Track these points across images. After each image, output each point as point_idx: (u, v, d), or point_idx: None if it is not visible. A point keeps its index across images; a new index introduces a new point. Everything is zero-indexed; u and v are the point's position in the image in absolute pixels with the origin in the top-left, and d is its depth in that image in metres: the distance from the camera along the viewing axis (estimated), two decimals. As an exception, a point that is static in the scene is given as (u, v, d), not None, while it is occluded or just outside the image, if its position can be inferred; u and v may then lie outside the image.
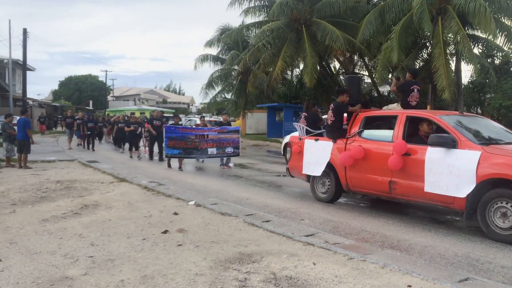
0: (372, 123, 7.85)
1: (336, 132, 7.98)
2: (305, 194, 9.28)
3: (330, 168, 7.91)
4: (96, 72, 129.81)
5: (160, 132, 15.15)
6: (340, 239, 5.65)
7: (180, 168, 13.10)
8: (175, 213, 6.97)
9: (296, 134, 10.25)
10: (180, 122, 21.20)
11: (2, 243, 5.30)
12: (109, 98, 76.94)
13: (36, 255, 4.87)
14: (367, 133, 7.60)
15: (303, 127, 9.12)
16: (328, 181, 8.15)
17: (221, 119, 17.57)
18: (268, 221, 6.52)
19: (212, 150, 12.77)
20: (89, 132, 20.15)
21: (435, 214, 7.50)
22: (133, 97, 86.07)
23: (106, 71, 68.60)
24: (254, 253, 4.95)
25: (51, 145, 22.21)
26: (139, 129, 18.15)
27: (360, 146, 7.30)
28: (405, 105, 8.02)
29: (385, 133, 7.36)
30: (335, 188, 7.98)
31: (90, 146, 20.27)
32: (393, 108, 8.40)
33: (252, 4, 25.30)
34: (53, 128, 40.76)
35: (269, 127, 30.75)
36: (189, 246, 5.23)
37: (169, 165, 13.46)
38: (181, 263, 4.59)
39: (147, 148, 17.96)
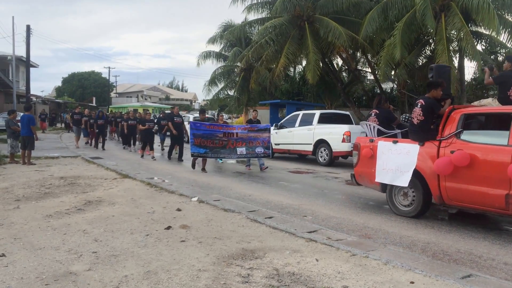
0: (473, 122, 6.57)
1: (425, 133, 6.61)
2: (307, 191, 9.29)
3: (416, 176, 6.61)
4: (99, 69, 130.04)
5: (181, 131, 14.73)
6: (343, 235, 5.66)
7: (203, 169, 11.97)
8: (178, 209, 6.99)
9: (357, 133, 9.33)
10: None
11: (7, 238, 5.33)
12: (112, 94, 77.01)
13: (40, 250, 4.90)
14: (469, 134, 6.25)
15: (374, 127, 7.76)
16: (413, 192, 6.79)
17: (207, 116, 16.96)
18: (271, 217, 6.53)
19: (241, 150, 11.80)
20: (97, 130, 19.06)
21: (437, 211, 7.50)
22: (136, 94, 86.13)
23: (109, 67, 68.94)
24: (257, 249, 4.97)
25: (55, 142, 22.28)
26: (155, 127, 17.22)
27: (464, 151, 5.93)
28: (505, 100, 6.64)
29: (497, 135, 6.00)
30: (422, 200, 6.66)
31: (100, 145, 19.13)
32: (489, 104, 7.09)
33: (255, 1, 25.29)
34: (54, 126, 39.87)
35: (272, 123, 30.72)
36: (192, 242, 5.25)
37: (193, 166, 12.22)
38: (184, 259, 4.61)
39: (159, 147, 17.69)
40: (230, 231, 5.79)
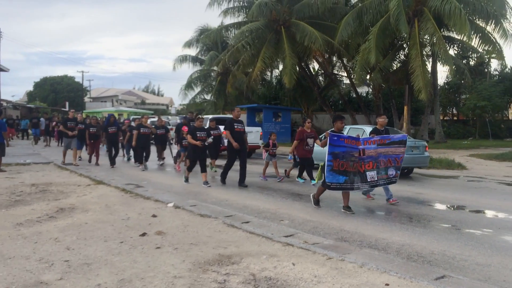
0: None
1: None
2: (284, 195, 9.30)
3: None
4: (73, 73, 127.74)
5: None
6: (319, 239, 5.67)
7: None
8: (154, 215, 6.89)
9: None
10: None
11: (-26, 248, 5.15)
12: (86, 99, 75.81)
13: (10, 260, 4.74)
14: None
15: None
16: None
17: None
18: (247, 222, 6.50)
19: (371, 175, 7.76)
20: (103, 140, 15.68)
21: (412, 213, 7.60)
22: (110, 98, 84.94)
23: (82, 72, 67.33)
24: (233, 255, 4.93)
25: (26, 148, 21.75)
26: (168, 135, 14.84)
27: None
28: None
29: None
30: None
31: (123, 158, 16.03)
32: None
33: (231, 5, 25.36)
34: (18, 135, 29.87)
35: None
36: (168, 248, 5.18)
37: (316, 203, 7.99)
38: (160, 266, 4.54)
39: (181, 164, 13.52)
40: (206, 236, 5.73)
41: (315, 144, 10.75)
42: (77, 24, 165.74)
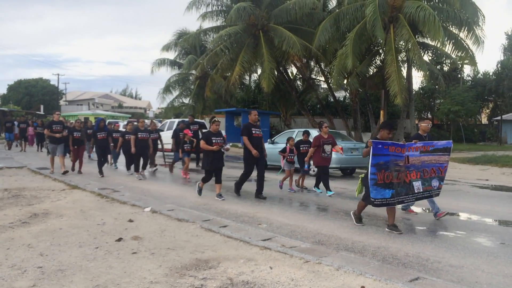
0: None
1: None
2: (262, 200, 9.29)
3: None
4: (49, 76, 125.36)
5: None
6: (296, 242, 5.70)
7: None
8: (130, 220, 6.82)
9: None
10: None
11: None
12: (62, 102, 74.43)
13: (-20, 267, 4.62)
14: None
15: None
16: None
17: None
18: (225, 226, 6.49)
19: (417, 185, 6.89)
20: (92, 147, 14.34)
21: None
22: (87, 102, 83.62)
23: (58, 74, 66.25)
24: (211, 259, 4.91)
25: (-1, 152, 21.23)
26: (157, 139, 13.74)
27: None
28: None
29: None
30: None
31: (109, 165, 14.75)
32: None
33: (209, 9, 25.32)
34: None
35: (228, 132, 30.77)
36: (144, 253, 5.12)
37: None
38: (136, 272, 4.49)
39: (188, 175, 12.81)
40: (184, 241, 5.70)
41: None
42: (53, 26, 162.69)
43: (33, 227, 6.37)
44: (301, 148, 10.65)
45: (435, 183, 7.15)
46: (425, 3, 19.82)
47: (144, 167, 12.72)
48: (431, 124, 8.83)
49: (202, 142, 8.99)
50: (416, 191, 6.81)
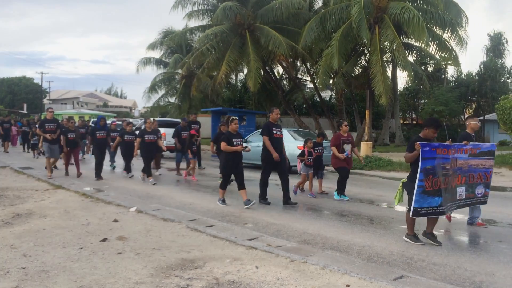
0: None
1: None
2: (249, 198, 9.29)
3: None
4: (32, 75, 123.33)
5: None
6: (282, 242, 5.72)
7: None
8: (115, 220, 6.76)
9: None
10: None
11: None
12: (45, 101, 73.36)
13: (-39, 269, 4.54)
14: None
15: None
16: None
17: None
18: (211, 226, 6.48)
19: (460, 191, 6.20)
20: (92, 147, 12.87)
21: (373, 215, 7.78)
22: (71, 101, 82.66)
23: (41, 72, 65.01)
24: (196, 259, 4.90)
25: (-19, 151, 20.86)
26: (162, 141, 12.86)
27: None
28: None
29: None
30: None
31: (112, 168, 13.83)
32: None
33: (195, 8, 25.18)
34: None
35: (214, 131, 30.71)
36: (129, 254, 5.09)
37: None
38: (121, 272, 4.46)
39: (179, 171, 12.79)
40: (169, 241, 5.67)
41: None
42: (36, 24, 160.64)
43: (16, 228, 6.28)
44: (316, 151, 9.90)
45: (479, 190, 6.47)
46: (410, 4, 20.02)
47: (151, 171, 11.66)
48: (479, 123, 8.06)
49: (223, 144, 8.17)
50: (458, 198, 6.13)
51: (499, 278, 4.56)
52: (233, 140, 8.21)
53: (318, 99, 31.20)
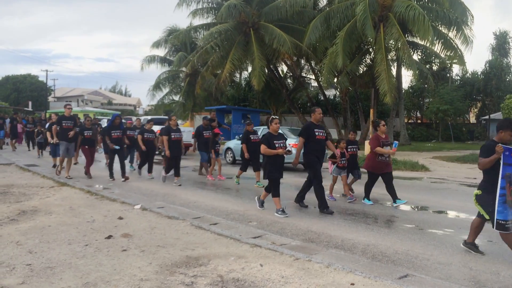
0: None
1: None
2: (253, 196, 9.31)
3: None
4: (37, 72, 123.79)
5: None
6: (287, 240, 5.72)
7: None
8: (120, 218, 6.78)
9: None
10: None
11: None
12: (50, 99, 73.73)
13: (-32, 265, 4.57)
14: None
15: None
16: None
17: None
18: (215, 223, 6.49)
19: None
20: (117, 147, 11.46)
21: (377, 214, 7.76)
22: (76, 98, 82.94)
23: (46, 70, 65.22)
24: (201, 256, 4.91)
25: (-14, 148, 20.96)
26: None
27: None
28: None
29: None
30: None
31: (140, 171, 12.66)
32: None
33: (200, 6, 25.23)
34: None
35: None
36: (134, 251, 5.10)
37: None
38: (126, 269, 4.47)
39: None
40: (174, 238, 5.68)
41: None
42: (41, 22, 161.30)
43: (21, 224, 6.31)
44: (349, 150, 9.22)
45: None
46: (415, 2, 19.97)
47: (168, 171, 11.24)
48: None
49: (263, 147, 7.43)
50: None
51: (504, 277, 4.55)
52: (274, 142, 7.46)
53: (322, 98, 31.16)
